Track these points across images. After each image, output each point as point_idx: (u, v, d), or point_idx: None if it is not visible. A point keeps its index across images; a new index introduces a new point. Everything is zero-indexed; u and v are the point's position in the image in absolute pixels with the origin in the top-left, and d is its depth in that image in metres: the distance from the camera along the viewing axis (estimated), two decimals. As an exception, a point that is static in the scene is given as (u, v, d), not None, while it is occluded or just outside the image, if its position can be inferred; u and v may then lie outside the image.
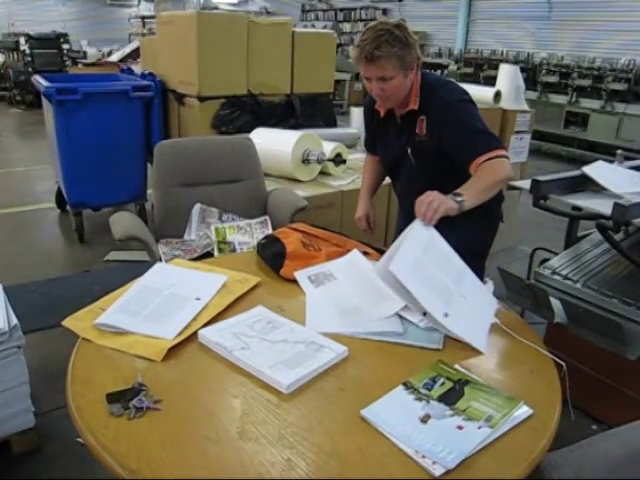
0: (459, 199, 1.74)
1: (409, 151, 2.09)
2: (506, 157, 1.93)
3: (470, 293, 1.60)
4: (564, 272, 2.33)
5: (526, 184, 2.47)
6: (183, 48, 4.15)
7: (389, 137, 2.17)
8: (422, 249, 1.61)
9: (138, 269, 1.90)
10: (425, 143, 2.03)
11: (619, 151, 2.94)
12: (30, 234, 4.73)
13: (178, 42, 4.27)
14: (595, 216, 2.24)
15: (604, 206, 2.18)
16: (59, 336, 2.70)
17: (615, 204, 2.09)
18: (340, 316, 1.62)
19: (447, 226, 2.00)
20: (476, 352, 1.48)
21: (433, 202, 1.68)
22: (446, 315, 1.49)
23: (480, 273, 2.28)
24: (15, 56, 11.92)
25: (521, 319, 1.74)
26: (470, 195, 1.77)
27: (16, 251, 4.31)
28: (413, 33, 1.93)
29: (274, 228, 2.60)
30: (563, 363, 1.44)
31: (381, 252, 2.05)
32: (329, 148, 3.57)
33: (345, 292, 1.73)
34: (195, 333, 1.48)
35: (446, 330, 1.50)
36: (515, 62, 9.43)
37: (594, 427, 2.39)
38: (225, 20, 4.20)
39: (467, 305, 1.56)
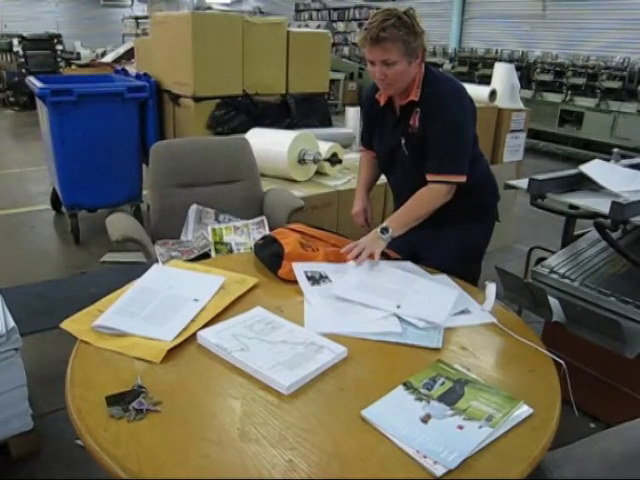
0: (386, 236, 1.92)
1: (402, 142, 2.08)
2: (457, 183, 2.00)
3: (425, 289, 1.77)
4: (562, 271, 2.33)
5: (523, 183, 2.47)
6: (178, 49, 4.14)
7: (386, 128, 2.16)
8: (365, 273, 1.85)
9: (134, 270, 1.89)
10: (417, 135, 2.03)
11: (616, 149, 2.94)
12: (25, 236, 4.71)
13: (173, 43, 4.26)
14: (592, 215, 2.24)
15: (602, 205, 2.18)
16: (56, 338, 2.71)
17: (613, 202, 2.08)
18: (339, 317, 1.62)
19: (443, 228, 2.00)
20: (475, 352, 1.49)
21: (365, 250, 1.87)
22: (398, 307, 1.65)
23: (476, 273, 2.29)
24: (8, 57, 11.86)
25: (519, 318, 1.74)
26: (397, 226, 1.95)
27: (11, 253, 4.30)
28: (421, 23, 1.93)
29: (271, 228, 2.59)
30: (562, 362, 1.44)
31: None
32: (325, 148, 3.56)
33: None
34: (194, 335, 1.48)
35: (405, 316, 1.61)
36: (509, 61, 9.44)
37: (592, 425, 2.39)
38: (220, 20, 4.18)
39: (421, 297, 1.72)
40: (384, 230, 1.92)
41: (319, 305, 1.68)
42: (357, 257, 1.87)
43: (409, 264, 1.97)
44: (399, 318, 1.60)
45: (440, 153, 1.99)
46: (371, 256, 1.87)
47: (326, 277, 1.83)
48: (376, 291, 1.73)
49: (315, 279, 1.80)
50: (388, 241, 1.92)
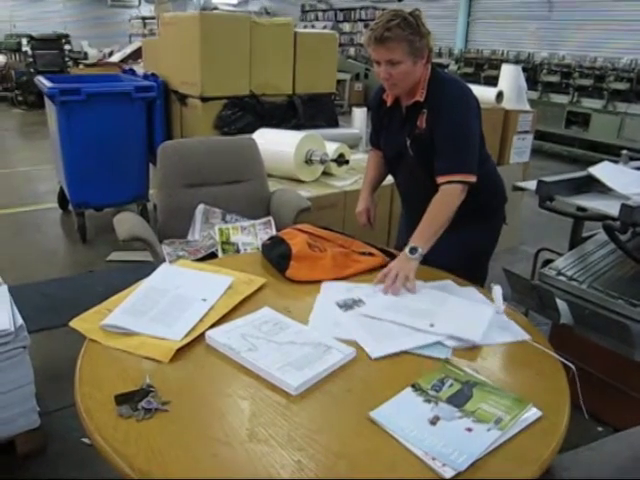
0: (416, 255, 1.84)
1: (408, 143, 2.08)
2: (467, 182, 1.96)
3: (458, 307, 1.69)
4: (569, 273, 2.33)
5: (532, 185, 2.46)
6: (186, 49, 4.15)
7: (393, 128, 2.17)
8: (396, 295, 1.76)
9: (141, 269, 1.90)
10: (424, 136, 2.03)
11: (624, 151, 2.92)
12: (32, 234, 4.73)
13: (181, 43, 4.27)
14: (601, 217, 2.24)
15: (611, 207, 2.18)
16: (62, 336, 2.72)
17: (623, 205, 2.07)
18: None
19: (449, 229, 2.00)
20: (483, 354, 1.49)
21: (399, 274, 1.78)
22: (432, 325, 1.56)
23: (483, 274, 2.28)
24: (17, 57, 11.93)
25: (527, 321, 1.74)
26: (424, 242, 1.88)
27: (19, 251, 4.31)
28: (426, 24, 1.93)
29: (278, 229, 2.60)
30: (572, 365, 1.43)
31: (385, 252, 2.05)
32: (332, 148, 3.56)
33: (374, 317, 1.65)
34: (202, 334, 1.48)
35: (438, 335, 1.53)
36: (516, 62, 9.42)
37: (599, 429, 2.38)
38: (228, 21, 4.20)
39: (455, 315, 1.63)
40: (413, 250, 1.85)
41: (327, 307, 1.68)
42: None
43: (448, 282, 1.88)
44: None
45: (449, 153, 1.98)
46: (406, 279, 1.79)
47: (360, 300, 1.74)
48: (408, 311, 1.66)
49: (348, 305, 1.71)
50: (420, 260, 1.85)
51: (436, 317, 1.61)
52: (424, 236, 1.89)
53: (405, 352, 1.47)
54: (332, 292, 1.79)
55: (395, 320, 1.60)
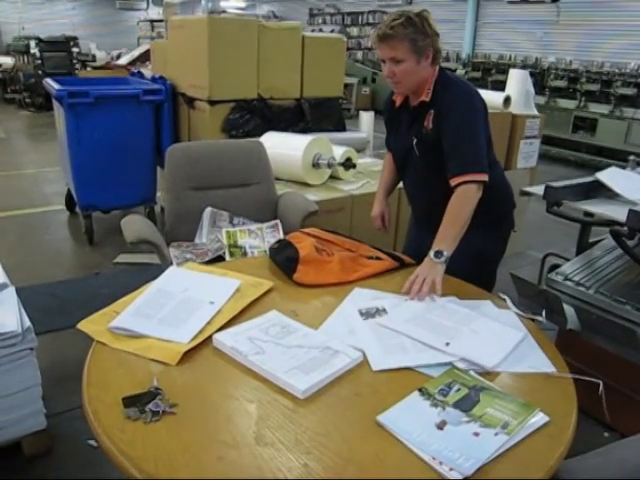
0: (441, 259, 1.81)
1: (414, 143, 2.09)
2: (481, 181, 1.94)
3: (484, 329, 1.59)
4: (576, 278, 2.32)
5: (539, 190, 2.46)
6: (194, 52, 4.16)
7: (402, 129, 2.18)
8: (423, 308, 1.71)
9: (147, 272, 1.90)
10: (430, 137, 2.03)
11: (632, 157, 2.92)
12: (40, 236, 4.75)
13: (189, 46, 4.28)
14: (608, 222, 2.23)
15: (618, 212, 2.17)
16: (69, 338, 2.73)
17: (630, 211, 2.07)
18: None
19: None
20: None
21: (426, 279, 1.76)
22: (447, 344, 1.50)
23: (491, 280, 2.28)
24: (25, 59, 12.00)
25: (535, 326, 1.73)
26: (448, 243, 1.85)
27: (26, 253, 4.33)
28: (434, 25, 1.96)
29: (285, 232, 2.60)
30: (600, 381, 1.39)
31: (393, 257, 2.05)
32: (339, 152, 3.57)
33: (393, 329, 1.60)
34: (210, 337, 1.48)
35: (450, 355, 1.46)
36: (523, 67, 9.43)
37: (606, 435, 2.37)
38: (236, 24, 4.20)
39: (477, 337, 1.56)
40: (438, 254, 1.81)
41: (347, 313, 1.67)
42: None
43: (486, 303, 1.78)
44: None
45: (459, 154, 1.97)
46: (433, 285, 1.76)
47: (383, 310, 1.70)
48: (428, 326, 1.60)
49: (370, 314, 1.68)
50: (446, 263, 1.82)
51: (456, 336, 1.55)
52: (447, 238, 1.87)
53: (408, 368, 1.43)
54: (359, 299, 1.78)
55: (411, 334, 1.55)
